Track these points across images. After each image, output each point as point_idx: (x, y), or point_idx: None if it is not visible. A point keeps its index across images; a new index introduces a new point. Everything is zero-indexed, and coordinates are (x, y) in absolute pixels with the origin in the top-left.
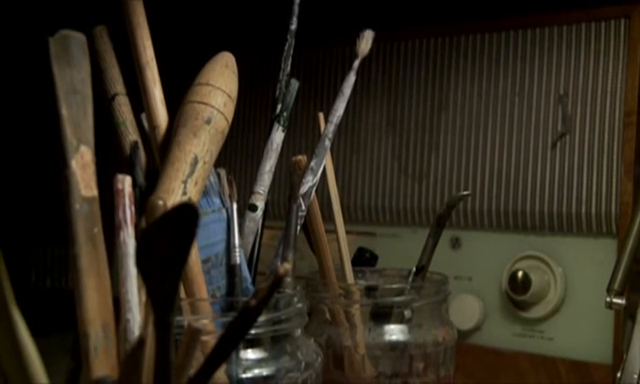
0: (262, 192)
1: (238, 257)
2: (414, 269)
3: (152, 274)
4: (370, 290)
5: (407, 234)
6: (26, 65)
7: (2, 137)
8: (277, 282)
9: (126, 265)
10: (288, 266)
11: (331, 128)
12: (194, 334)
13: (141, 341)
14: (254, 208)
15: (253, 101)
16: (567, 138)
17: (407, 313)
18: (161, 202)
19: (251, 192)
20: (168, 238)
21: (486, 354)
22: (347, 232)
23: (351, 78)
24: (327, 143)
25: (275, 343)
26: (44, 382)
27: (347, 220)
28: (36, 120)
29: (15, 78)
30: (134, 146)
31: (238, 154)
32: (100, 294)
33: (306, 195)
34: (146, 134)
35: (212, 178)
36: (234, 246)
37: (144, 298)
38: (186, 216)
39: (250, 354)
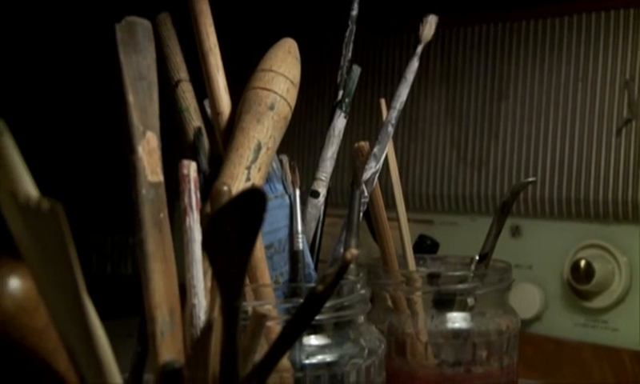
0: (323, 178)
1: (301, 243)
2: (477, 256)
3: (220, 259)
4: (432, 277)
5: (466, 222)
6: (91, 52)
7: (61, 127)
8: (344, 267)
9: (192, 250)
10: (355, 251)
11: (394, 114)
12: (260, 319)
13: (208, 325)
14: (315, 194)
15: (314, 87)
16: (633, 124)
17: (470, 300)
18: (225, 188)
19: (313, 178)
20: (236, 222)
21: (548, 344)
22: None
23: (414, 64)
24: (390, 129)
25: (338, 330)
26: (114, 367)
27: (405, 208)
28: (92, 110)
29: (80, 65)
30: (198, 132)
31: (299, 141)
32: (166, 279)
33: (369, 181)
34: (209, 121)
35: (275, 165)
36: (297, 232)
37: (209, 283)
38: (254, 200)
39: (313, 340)
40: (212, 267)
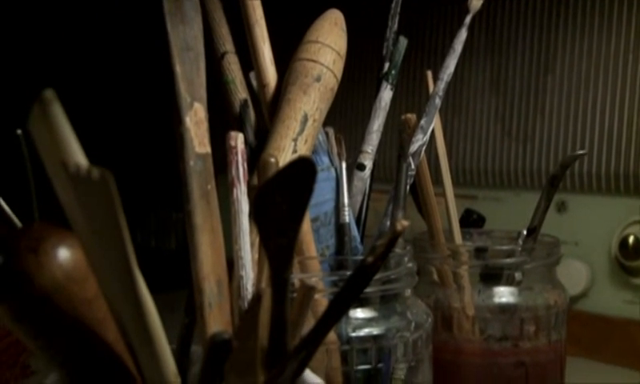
0: (369, 151)
1: (347, 216)
2: (525, 231)
3: (269, 230)
4: (479, 251)
5: (510, 198)
6: (139, 23)
7: (106, 101)
8: (394, 238)
9: (240, 222)
10: (405, 222)
11: (442, 86)
12: (308, 291)
13: (258, 296)
14: (361, 167)
15: (360, 59)
16: None
17: (518, 275)
18: (273, 160)
19: (359, 151)
20: (286, 192)
21: (595, 321)
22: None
23: (463, 34)
24: (438, 101)
25: (385, 303)
26: (163, 337)
27: None
28: (137, 84)
29: (128, 36)
30: (244, 103)
31: (345, 113)
32: (214, 251)
33: (416, 154)
34: (255, 93)
35: (321, 137)
36: (343, 205)
37: (257, 255)
38: (304, 170)
39: (360, 313)
40: (261, 238)
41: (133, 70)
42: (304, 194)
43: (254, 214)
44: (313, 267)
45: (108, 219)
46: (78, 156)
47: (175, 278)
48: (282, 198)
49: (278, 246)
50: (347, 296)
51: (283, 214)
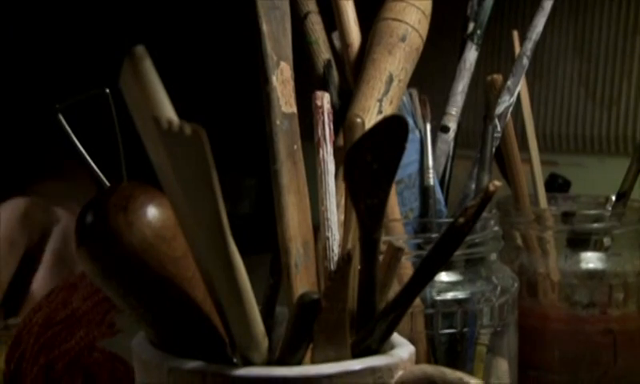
0: (454, 113)
1: (432, 178)
2: (614, 196)
3: (360, 190)
4: (566, 216)
5: (593, 163)
6: None
7: (182, 62)
8: (486, 199)
9: (326, 182)
10: (498, 183)
11: (529, 46)
12: (396, 252)
13: (348, 257)
14: (446, 129)
15: (444, 19)
16: None
17: (606, 240)
18: (359, 120)
19: (443, 113)
20: (377, 151)
21: None
22: (529, 161)
23: None
24: (525, 62)
25: (470, 267)
26: (252, 296)
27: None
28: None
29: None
30: (327, 64)
31: (429, 74)
32: (300, 211)
33: (502, 116)
34: (338, 53)
35: (405, 98)
36: (428, 168)
37: (342, 216)
38: (396, 128)
39: (444, 277)
40: (351, 198)
41: (211, 32)
42: (396, 152)
43: (344, 174)
44: (397, 230)
45: (200, 176)
46: (170, 112)
47: (249, 242)
48: (373, 157)
49: (369, 207)
50: (437, 258)
51: (374, 173)
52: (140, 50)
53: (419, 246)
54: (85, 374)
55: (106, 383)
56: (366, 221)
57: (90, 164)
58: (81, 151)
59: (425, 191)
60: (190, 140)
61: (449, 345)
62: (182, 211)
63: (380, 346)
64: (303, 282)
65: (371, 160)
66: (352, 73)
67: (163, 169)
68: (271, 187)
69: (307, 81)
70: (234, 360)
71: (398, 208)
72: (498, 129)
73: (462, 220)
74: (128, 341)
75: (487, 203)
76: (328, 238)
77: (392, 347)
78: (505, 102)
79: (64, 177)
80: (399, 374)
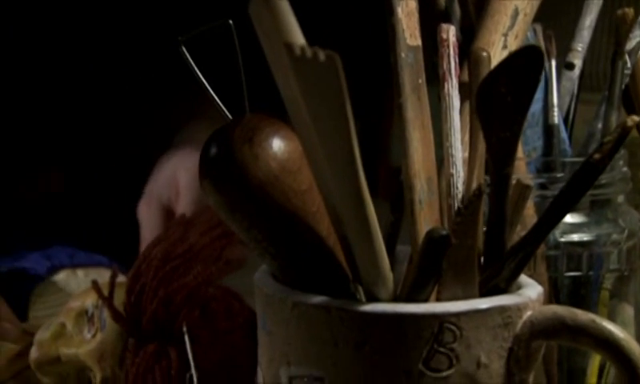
0: (579, 49)
1: (557, 117)
2: None
3: (493, 123)
4: None
5: None
6: None
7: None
8: (623, 135)
9: (451, 118)
10: (637, 117)
11: None
12: (524, 190)
13: (479, 192)
14: (570, 66)
15: None
16: None
17: None
18: (485, 54)
19: (568, 49)
20: (511, 83)
21: None
22: None
23: None
24: None
25: (595, 209)
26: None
27: None
28: None
29: None
30: None
31: (553, 8)
32: (424, 147)
33: (633, 52)
34: None
35: (529, 34)
36: (552, 106)
37: (466, 153)
38: (532, 60)
39: (569, 218)
40: (484, 131)
41: None
42: (530, 84)
43: (476, 107)
44: (519, 169)
45: (333, 105)
46: (302, 39)
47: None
48: (507, 89)
49: (501, 140)
50: (570, 195)
51: (508, 106)
52: None
53: (542, 186)
54: (202, 308)
55: (222, 318)
56: (498, 155)
57: (213, 97)
58: (204, 84)
59: (549, 130)
60: (324, 67)
61: (572, 288)
62: (311, 143)
63: (508, 285)
64: (427, 218)
65: (505, 92)
66: (474, 7)
67: (293, 99)
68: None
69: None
70: (357, 296)
71: (521, 146)
72: (628, 65)
73: (597, 156)
74: (245, 278)
75: (624, 139)
76: (452, 175)
77: (519, 287)
78: (636, 37)
79: (209, 119)
80: (528, 314)
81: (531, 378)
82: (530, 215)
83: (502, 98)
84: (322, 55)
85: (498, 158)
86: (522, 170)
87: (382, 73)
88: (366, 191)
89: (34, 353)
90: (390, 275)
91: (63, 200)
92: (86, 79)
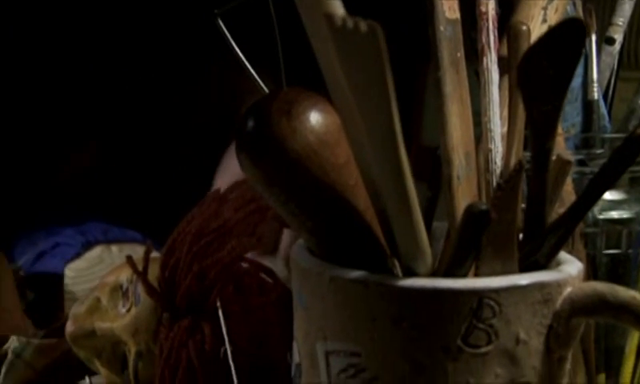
0: (620, 23)
1: (596, 92)
2: None
3: (534, 97)
4: None
5: None
6: None
7: None
8: None
9: (490, 92)
10: None
11: None
12: (565, 165)
13: (520, 166)
14: (611, 41)
15: None
16: None
17: None
18: (525, 28)
19: (608, 23)
20: (553, 56)
21: None
22: None
23: None
24: None
25: (634, 186)
26: (419, 207)
27: None
28: None
29: None
30: None
31: None
32: (462, 121)
33: None
34: None
35: (568, 8)
36: (592, 81)
37: (505, 128)
38: (574, 33)
39: (608, 195)
40: (525, 105)
41: None
42: (572, 57)
43: (518, 80)
44: (558, 145)
45: (374, 76)
46: (342, 10)
47: None
48: (550, 62)
49: (543, 114)
50: (612, 171)
51: (549, 79)
52: None
53: (581, 162)
54: (235, 283)
55: (255, 293)
56: (539, 129)
57: (250, 71)
58: (241, 58)
59: (588, 106)
60: (365, 38)
61: (611, 266)
62: (351, 116)
63: (547, 261)
64: (465, 193)
65: (547, 65)
66: None
67: (332, 71)
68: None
69: None
70: (394, 272)
71: (559, 123)
72: None
73: None
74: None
75: None
76: (490, 150)
77: (559, 264)
78: None
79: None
80: (568, 290)
81: (570, 356)
82: (568, 192)
83: (544, 71)
84: (363, 26)
85: (540, 133)
86: (561, 147)
87: (415, 48)
88: (407, 164)
89: (69, 327)
90: (428, 250)
91: (97, 175)
92: (122, 53)
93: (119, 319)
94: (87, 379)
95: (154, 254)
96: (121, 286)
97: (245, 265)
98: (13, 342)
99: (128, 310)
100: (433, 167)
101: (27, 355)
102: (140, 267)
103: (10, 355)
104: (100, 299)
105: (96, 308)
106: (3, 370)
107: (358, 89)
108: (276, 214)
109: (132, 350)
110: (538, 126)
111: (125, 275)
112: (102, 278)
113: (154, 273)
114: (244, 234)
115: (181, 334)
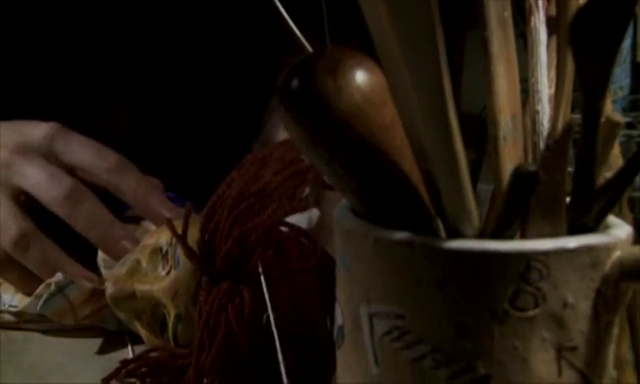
0: None
1: None
2: None
3: (585, 56)
4: None
5: None
6: None
7: None
8: None
9: (537, 53)
10: None
11: None
12: (614, 126)
13: (569, 126)
14: None
15: None
16: None
17: None
18: None
19: None
20: (605, 14)
21: None
22: None
23: None
24: None
25: None
26: (467, 169)
27: None
28: None
29: None
30: None
31: None
32: (509, 82)
33: None
34: None
35: None
36: None
37: (552, 89)
38: None
39: None
40: (576, 64)
41: None
42: (624, 15)
43: (569, 38)
44: (606, 107)
45: (423, 33)
46: None
47: None
48: (601, 20)
49: (594, 73)
50: None
51: (601, 37)
52: None
53: (629, 125)
54: (275, 247)
55: (295, 257)
56: (590, 88)
57: (293, 30)
58: (284, 16)
59: (637, 68)
60: None
61: None
62: (398, 75)
63: (596, 225)
64: (511, 155)
65: (599, 23)
66: None
67: (380, 27)
68: None
69: None
70: (439, 233)
71: None
72: None
73: None
74: None
75: None
76: (538, 112)
77: (607, 227)
78: None
79: None
80: (617, 254)
81: (617, 322)
82: (615, 155)
83: (595, 29)
84: None
85: (591, 92)
86: (609, 109)
87: (453, 15)
88: (456, 122)
89: (109, 288)
90: (476, 211)
91: (133, 142)
92: (154, 18)
93: (159, 282)
94: (130, 347)
95: (194, 217)
96: (160, 249)
97: (284, 229)
98: (57, 277)
99: (167, 273)
100: (477, 130)
101: (69, 292)
102: (180, 230)
103: (52, 287)
104: (140, 261)
105: (136, 270)
106: (43, 299)
107: (406, 46)
108: (316, 177)
109: (171, 313)
110: (589, 86)
111: (165, 238)
112: (142, 240)
113: (193, 236)
114: (284, 198)
115: (220, 298)
